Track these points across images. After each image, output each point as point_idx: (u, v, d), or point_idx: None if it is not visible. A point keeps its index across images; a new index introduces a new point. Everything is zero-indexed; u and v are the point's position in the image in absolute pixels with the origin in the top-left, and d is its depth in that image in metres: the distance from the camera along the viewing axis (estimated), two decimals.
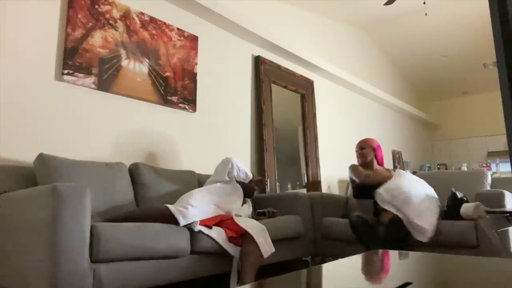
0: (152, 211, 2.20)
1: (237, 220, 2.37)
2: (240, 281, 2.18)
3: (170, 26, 3.29)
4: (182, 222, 2.10)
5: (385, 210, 3.00)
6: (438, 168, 8.41)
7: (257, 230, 2.33)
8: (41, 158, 2.16)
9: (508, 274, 0.99)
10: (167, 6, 3.33)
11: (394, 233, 2.76)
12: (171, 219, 2.11)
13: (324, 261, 3.38)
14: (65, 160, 2.25)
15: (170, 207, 2.17)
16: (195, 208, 2.25)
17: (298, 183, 4.55)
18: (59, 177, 2.13)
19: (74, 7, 2.63)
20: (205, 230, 2.20)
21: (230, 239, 2.29)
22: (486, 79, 8.40)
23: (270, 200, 3.19)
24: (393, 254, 1.40)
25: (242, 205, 2.75)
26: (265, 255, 2.28)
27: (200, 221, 2.23)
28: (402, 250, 2.67)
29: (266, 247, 2.30)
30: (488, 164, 7.18)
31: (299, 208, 3.13)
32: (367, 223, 2.89)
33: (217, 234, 2.24)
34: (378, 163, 3.27)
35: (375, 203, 3.04)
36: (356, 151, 3.29)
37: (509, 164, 6.08)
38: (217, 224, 2.32)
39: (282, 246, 2.80)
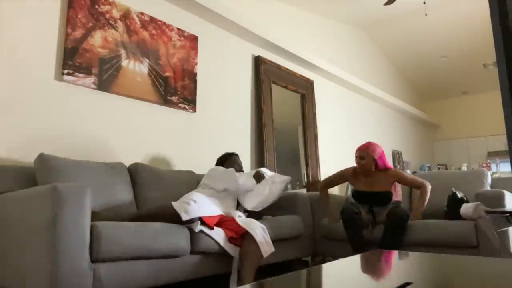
0: (157, 209, 2.20)
1: (238, 220, 2.38)
2: (240, 280, 2.18)
3: (170, 26, 3.29)
4: (185, 217, 2.09)
5: (381, 210, 2.99)
6: (438, 168, 8.41)
7: (257, 229, 2.33)
8: (41, 158, 2.16)
9: (508, 274, 0.99)
10: (167, 6, 3.33)
11: (393, 222, 2.74)
12: (174, 216, 2.11)
13: (324, 261, 3.38)
14: (65, 160, 2.25)
15: (173, 203, 2.18)
16: (198, 203, 2.25)
17: (298, 183, 4.55)
18: (59, 177, 2.13)
19: (74, 7, 2.63)
20: (206, 230, 2.20)
21: (230, 240, 2.29)
22: (486, 79, 8.39)
23: None
24: (393, 254, 1.40)
25: (237, 208, 2.75)
26: (265, 255, 2.28)
27: (203, 217, 2.23)
28: (400, 249, 2.67)
29: (266, 247, 2.30)
30: (488, 164, 7.18)
31: (299, 208, 3.13)
32: (359, 218, 2.84)
33: (217, 234, 2.24)
34: (378, 168, 3.07)
35: (371, 209, 2.99)
36: (356, 157, 3.06)
37: (509, 164, 6.08)
38: (217, 224, 2.32)
39: (282, 246, 2.79)
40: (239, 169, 2.99)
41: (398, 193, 3.40)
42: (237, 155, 3.09)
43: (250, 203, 2.72)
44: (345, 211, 2.84)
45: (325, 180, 3.25)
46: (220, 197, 2.63)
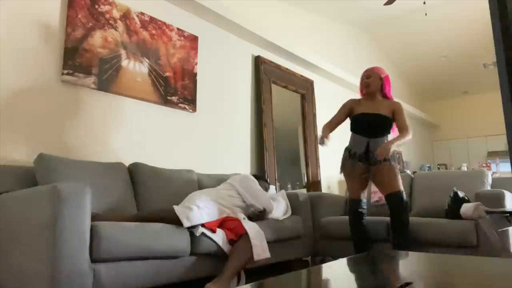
0: (159, 213, 2.19)
1: (243, 221, 2.38)
2: (221, 273, 2.14)
3: (170, 26, 3.29)
4: (186, 224, 2.10)
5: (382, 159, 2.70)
6: (438, 168, 8.41)
7: (255, 232, 2.33)
8: (41, 158, 2.16)
9: (508, 274, 0.99)
10: (167, 6, 3.33)
11: (397, 210, 2.64)
12: (176, 221, 2.11)
13: (324, 261, 3.38)
14: (65, 160, 2.25)
15: (176, 208, 2.17)
16: (201, 209, 2.25)
17: (298, 183, 4.55)
18: (59, 177, 2.13)
19: (74, 7, 2.63)
20: (207, 232, 2.20)
21: (230, 242, 2.29)
22: (486, 79, 8.39)
23: None
24: (393, 254, 1.41)
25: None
26: (256, 258, 2.26)
27: (205, 223, 2.23)
28: (404, 248, 2.63)
29: (260, 250, 2.29)
30: (488, 164, 7.17)
31: (299, 208, 3.13)
32: (363, 218, 2.78)
33: (218, 236, 2.25)
34: (383, 95, 2.92)
35: (368, 143, 2.79)
36: (361, 78, 2.93)
37: (509, 164, 6.08)
38: (219, 225, 2.32)
39: (282, 246, 2.80)
40: None
41: None
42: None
43: (278, 213, 2.91)
44: (352, 211, 2.79)
45: (329, 120, 2.96)
46: (234, 200, 2.63)
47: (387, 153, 2.64)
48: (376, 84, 2.85)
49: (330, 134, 2.86)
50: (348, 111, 2.96)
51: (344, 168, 2.89)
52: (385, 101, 2.89)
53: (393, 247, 2.68)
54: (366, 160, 2.80)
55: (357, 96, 3.08)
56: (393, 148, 2.68)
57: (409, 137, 2.78)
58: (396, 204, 2.66)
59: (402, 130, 2.81)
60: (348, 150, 2.89)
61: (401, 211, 2.65)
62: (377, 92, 2.87)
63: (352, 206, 2.85)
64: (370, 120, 2.81)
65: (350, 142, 2.92)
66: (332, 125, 2.94)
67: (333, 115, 3.00)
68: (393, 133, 2.90)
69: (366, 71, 2.92)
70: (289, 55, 4.61)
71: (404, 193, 2.70)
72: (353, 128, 2.91)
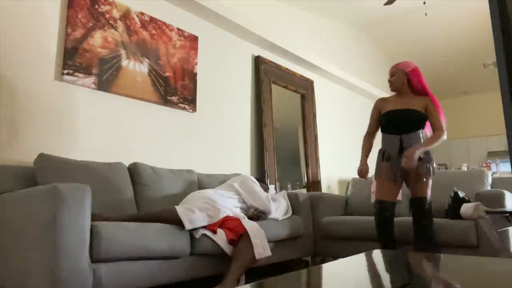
0: (161, 213, 2.19)
1: (243, 221, 2.39)
2: (225, 278, 2.15)
3: (170, 26, 3.29)
4: (188, 227, 2.11)
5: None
6: (438, 168, 8.40)
7: (255, 231, 2.33)
8: (41, 158, 2.16)
9: (508, 274, 0.99)
10: (167, 6, 3.33)
11: (418, 215, 2.56)
12: (178, 222, 2.12)
13: (324, 261, 3.38)
14: (65, 160, 2.25)
15: (178, 209, 2.17)
16: (202, 212, 2.25)
17: (298, 183, 4.55)
18: (59, 177, 2.13)
19: (74, 7, 2.63)
20: (208, 233, 2.21)
21: (230, 242, 2.29)
22: (486, 79, 8.39)
23: None
24: (393, 254, 1.41)
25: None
26: (258, 257, 2.27)
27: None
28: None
29: (260, 249, 2.30)
30: (488, 164, 7.17)
31: (299, 208, 3.13)
32: (392, 220, 2.59)
33: (218, 236, 2.25)
34: (414, 90, 2.76)
35: (401, 140, 2.65)
36: (388, 80, 2.82)
37: (509, 164, 6.08)
38: (219, 225, 2.33)
39: (282, 246, 2.80)
40: None
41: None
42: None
43: (279, 214, 2.93)
44: (382, 213, 2.60)
45: (368, 130, 2.91)
46: (234, 201, 2.64)
47: (411, 161, 2.48)
48: (400, 81, 2.72)
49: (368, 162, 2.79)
50: (377, 112, 2.86)
51: (379, 172, 2.69)
52: (417, 97, 2.75)
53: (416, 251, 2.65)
54: (401, 158, 2.61)
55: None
56: (418, 154, 2.52)
57: (443, 137, 2.66)
58: (418, 210, 2.60)
59: (436, 130, 2.70)
60: (382, 152, 2.73)
61: (422, 217, 2.58)
62: (404, 88, 2.74)
63: (383, 208, 2.61)
64: (400, 116, 2.67)
65: (383, 144, 2.77)
66: (372, 128, 2.87)
67: (370, 120, 2.90)
68: (427, 130, 2.76)
69: (391, 68, 2.80)
70: (289, 55, 4.61)
71: (429, 199, 2.61)
72: (383, 128, 2.79)
